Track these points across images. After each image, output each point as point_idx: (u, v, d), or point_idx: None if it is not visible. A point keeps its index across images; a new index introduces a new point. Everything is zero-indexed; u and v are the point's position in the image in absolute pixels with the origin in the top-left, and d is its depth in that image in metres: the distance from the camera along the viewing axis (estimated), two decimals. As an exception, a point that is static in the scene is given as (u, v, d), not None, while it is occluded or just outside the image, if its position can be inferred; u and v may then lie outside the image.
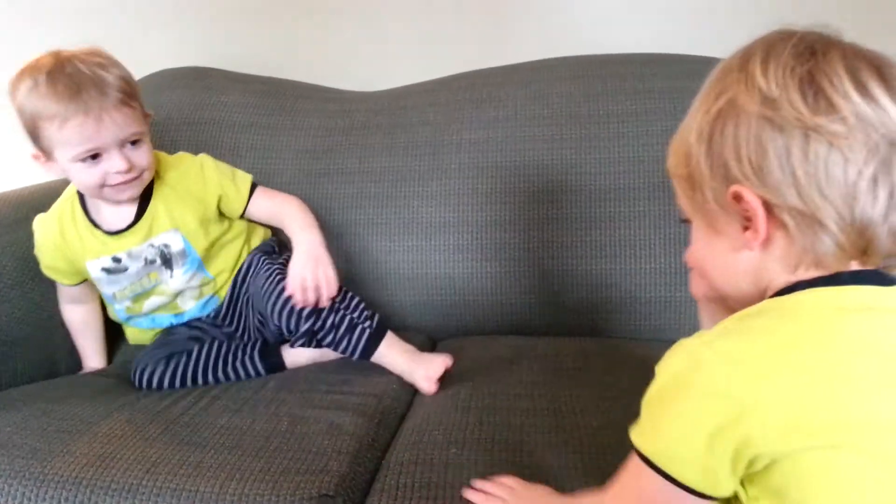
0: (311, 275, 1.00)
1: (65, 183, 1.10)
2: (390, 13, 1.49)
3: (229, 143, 1.31)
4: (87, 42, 1.00)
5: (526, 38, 1.46)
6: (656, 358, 0.53)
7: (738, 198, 0.52)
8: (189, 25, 1.55)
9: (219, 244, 1.12)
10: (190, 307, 1.13)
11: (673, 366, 0.51)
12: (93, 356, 1.16)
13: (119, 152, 0.97)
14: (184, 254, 1.08)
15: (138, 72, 1.39)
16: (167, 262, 1.08)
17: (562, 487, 0.72)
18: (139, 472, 0.79)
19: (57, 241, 1.06)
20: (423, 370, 0.98)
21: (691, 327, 0.57)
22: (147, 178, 1.04)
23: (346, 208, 1.24)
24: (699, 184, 0.55)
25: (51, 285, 1.13)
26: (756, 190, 0.51)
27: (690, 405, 0.49)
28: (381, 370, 1.02)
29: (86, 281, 1.11)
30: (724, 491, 0.50)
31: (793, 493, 0.47)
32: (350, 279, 1.17)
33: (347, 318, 1.01)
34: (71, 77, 0.94)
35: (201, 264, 1.10)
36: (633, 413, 0.53)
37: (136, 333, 1.16)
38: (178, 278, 1.09)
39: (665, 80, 1.23)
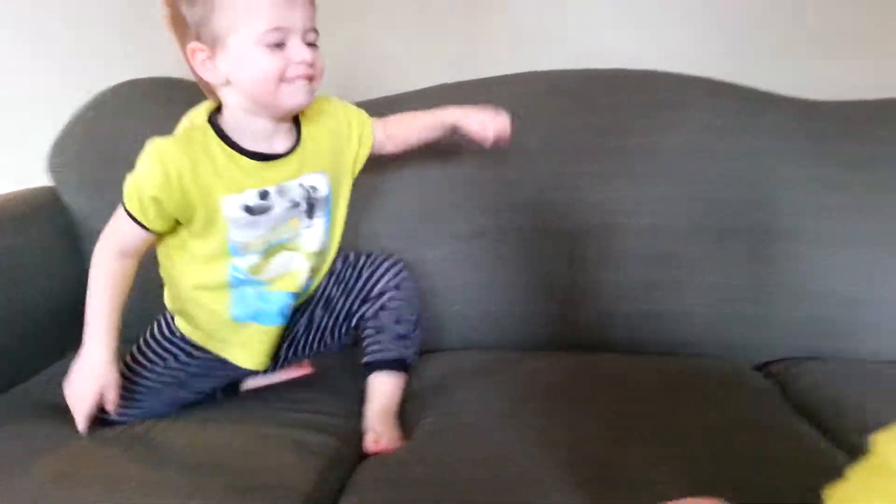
0: None
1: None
2: (365, 24, 1.49)
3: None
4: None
5: (498, 52, 1.47)
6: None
7: None
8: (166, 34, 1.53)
9: (341, 211, 1.02)
10: (303, 282, 0.99)
11: None
12: (105, 337, 0.91)
13: (302, 42, 0.86)
14: (326, 203, 0.98)
15: (108, 80, 1.40)
16: (311, 208, 0.96)
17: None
18: (99, 490, 0.77)
19: (184, 170, 0.86)
20: (374, 435, 0.93)
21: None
22: (316, 87, 0.91)
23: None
24: None
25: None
26: None
27: None
28: (347, 393, 1.01)
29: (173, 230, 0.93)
30: None
31: None
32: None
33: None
34: None
35: (328, 227, 1.00)
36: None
37: (254, 337, 0.98)
38: (317, 231, 0.97)
39: (632, 94, 1.24)
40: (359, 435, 0.95)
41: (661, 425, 0.89)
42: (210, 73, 0.87)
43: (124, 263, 0.92)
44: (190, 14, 0.84)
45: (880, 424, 0.89)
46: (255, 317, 0.97)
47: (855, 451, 0.85)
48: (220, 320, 0.96)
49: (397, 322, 1.03)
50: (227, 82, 0.87)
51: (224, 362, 0.99)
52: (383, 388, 0.99)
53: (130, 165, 0.89)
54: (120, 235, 0.91)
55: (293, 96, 0.87)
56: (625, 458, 0.81)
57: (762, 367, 1.17)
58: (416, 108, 1.15)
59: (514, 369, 1.07)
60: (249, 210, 0.90)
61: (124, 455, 0.85)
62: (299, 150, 0.94)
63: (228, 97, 0.89)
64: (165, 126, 0.95)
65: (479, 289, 1.20)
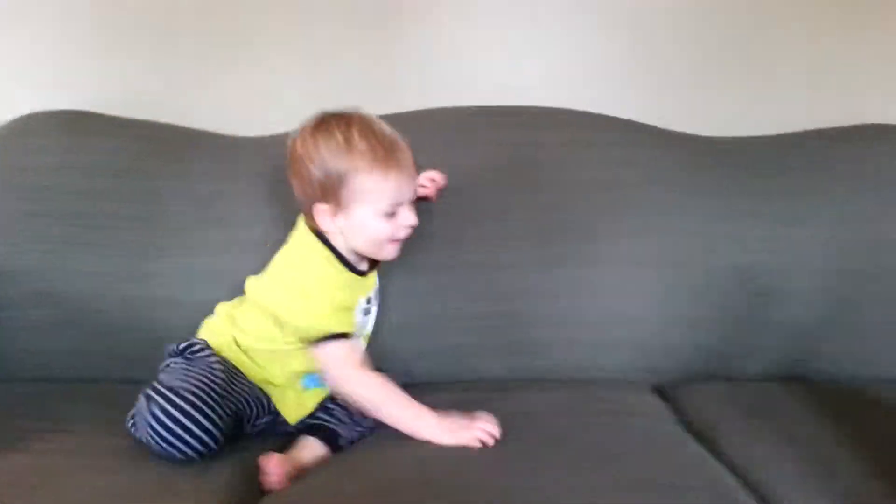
0: None
1: None
2: (277, 57, 1.52)
3: (108, 187, 1.28)
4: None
5: (409, 87, 1.53)
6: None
7: None
8: (65, 65, 1.51)
9: None
10: None
11: None
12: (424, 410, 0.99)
13: (410, 208, 1.03)
14: (377, 294, 1.15)
15: (8, 114, 1.36)
16: (369, 308, 1.13)
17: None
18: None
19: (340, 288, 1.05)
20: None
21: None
22: None
23: (239, 254, 1.23)
24: None
25: None
26: None
27: None
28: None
29: None
30: None
31: None
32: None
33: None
34: (383, 135, 1.00)
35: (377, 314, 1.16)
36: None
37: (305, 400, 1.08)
38: (373, 317, 1.14)
39: (536, 131, 1.33)
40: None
41: (567, 453, 0.93)
42: (327, 224, 1.02)
43: (369, 370, 1.02)
44: (322, 181, 0.99)
45: (760, 440, 0.98)
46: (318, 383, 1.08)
47: (736, 467, 0.94)
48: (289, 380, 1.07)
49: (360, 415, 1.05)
50: (341, 233, 1.03)
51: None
52: (312, 452, 1.01)
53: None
54: (345, 360, 1.01)
55: (393, 251, 1.06)
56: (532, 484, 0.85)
57: (658, 390, 1.25)
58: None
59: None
60: (366, 312, 1.10)
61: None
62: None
63: (337, 238, 1.04)
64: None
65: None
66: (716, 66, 1.52)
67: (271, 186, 1.25)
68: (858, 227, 1.26)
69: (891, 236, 1.26)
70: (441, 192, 1.24)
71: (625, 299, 1.25)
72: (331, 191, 0.99)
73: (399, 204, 1.02)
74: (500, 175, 1.29)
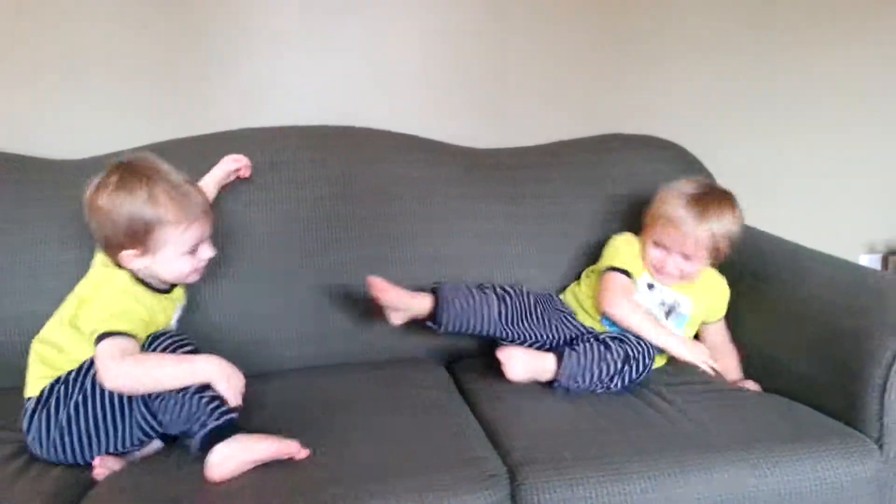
0: None
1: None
2: (91, 79, 1.59)
3: None
4: None
5: (224, 110, 1.65)
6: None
7: None
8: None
9: None
10: None
11: None
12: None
13: (209, 243, 1.19)
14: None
15: None
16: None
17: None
18: None
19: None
20: None
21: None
22: None
23: (50, 275, 1.34)
24: None
25: None
26: None
27: None
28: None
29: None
30: None
31: None
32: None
33: None
34: (179, 185, 1.13)
35: None
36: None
37: None
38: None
39: (339, 150, 1.52)
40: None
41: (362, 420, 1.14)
42: (132, 264, 1.14)
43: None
44: (127, 232, 1.10)
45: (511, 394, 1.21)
46: None
47: (484, 418, 1.18)
48: None
49: None
50: (147, 269, 1.15)
51: None
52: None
53: None
54: (109, 355, 1.06)
55: (196, 277, 1.21)
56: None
57: (448, 365, 1.48)
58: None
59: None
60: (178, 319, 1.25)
61: None
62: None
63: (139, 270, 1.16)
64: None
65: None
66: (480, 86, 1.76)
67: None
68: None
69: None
70: (249, 167, 1.43)
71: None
72: (137, 239, 1.11)
73: (199, 242, 1.17)
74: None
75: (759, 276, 1.43)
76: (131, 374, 1.04)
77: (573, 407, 1.22)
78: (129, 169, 1.13)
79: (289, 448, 1.03)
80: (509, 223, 1.53)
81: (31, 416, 1.08)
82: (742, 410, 1.19)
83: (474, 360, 1.45)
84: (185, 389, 1.04)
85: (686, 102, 1.84)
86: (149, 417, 1.08)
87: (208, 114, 1.64)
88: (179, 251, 1.15)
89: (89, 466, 1.08)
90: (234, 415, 1.06)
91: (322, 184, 1.48)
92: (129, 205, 1.10)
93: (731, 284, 1.46)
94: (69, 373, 1.10)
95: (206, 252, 1.19)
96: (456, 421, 1.17)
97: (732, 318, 1.45)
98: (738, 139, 1.88)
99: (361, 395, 1.27)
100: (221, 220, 1.40)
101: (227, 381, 1.06)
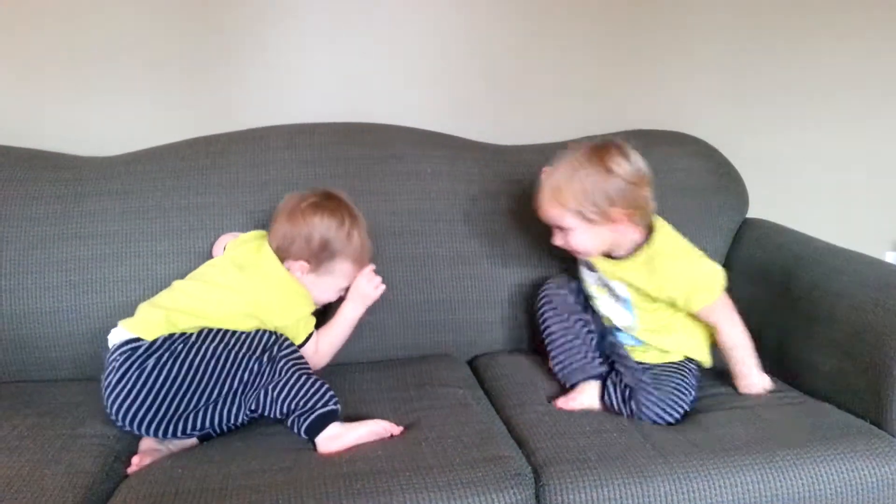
0: None
1: None
2: (120, 78, 1.61)
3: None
4: None
5: (244, 106, 1.66)
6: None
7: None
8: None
9: None
10: None
11: None
12: None
13: None
14: None
15: None
16: None
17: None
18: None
19: None
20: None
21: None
22: None
23: (83, 269, 1.37)
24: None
25: None
26: None
27: None
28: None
29: None
30: None
31: None
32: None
33: None
34: (367, 235, 1.31)
35: None
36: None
37: None
38: None
39: (356, 147, 1.52)
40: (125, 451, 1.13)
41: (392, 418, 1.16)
42: (296, 272, 1.27)
43: None
44: (315, 249, 1.25)
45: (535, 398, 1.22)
46: None
47: (510, 420, 1.19)
48: None
49: None
50: (304, 280, 1.27)
51: None
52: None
53: None
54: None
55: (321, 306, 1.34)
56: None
57: (472, 361, 1.50)
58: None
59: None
60: None
61: None
62: None
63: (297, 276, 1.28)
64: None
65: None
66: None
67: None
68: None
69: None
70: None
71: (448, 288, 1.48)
72: (316, 259, 1.26)
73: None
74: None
75: (785, 273, 1.42)
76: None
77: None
78: (340, 201, 1.29)
79: (385, 428, 1.12)
80: (533, 221, 1.52)
81: (134, 356, 1.10)
82: (765, 410, 1.18)
83: (495, 356, 1.47)
84: (307, 374, 1.15)
85: (709, 97, 1.82)
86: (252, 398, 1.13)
87: (229, 111, 1.65)
88: (339, 285, 1.31)
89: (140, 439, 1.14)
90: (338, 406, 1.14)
91: (344, 180, 1.48)
92: (332, 232, 1.25)
93: (758, 283, 1.45)
94: (190, 334, 1.15)
95: (342, 291, 1.34)
96: (480, 418, 1.18)
97: (758, 317, 1.44)
98: (760, 134, 1.86)
99: (386, 392, 1.28)
100: (244, 218, 1.43)
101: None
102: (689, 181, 1.59)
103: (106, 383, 1.11)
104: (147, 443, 1.15)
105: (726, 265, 1.57)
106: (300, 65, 1.67)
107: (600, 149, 1.23)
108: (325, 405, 1.11)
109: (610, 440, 1.10)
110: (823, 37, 1.83)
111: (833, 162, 1.91)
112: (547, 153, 1.61)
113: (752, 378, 1.27)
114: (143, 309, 1.20)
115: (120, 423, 1.11)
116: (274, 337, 1.18)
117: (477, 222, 1.51)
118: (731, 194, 1.61)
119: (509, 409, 1.24)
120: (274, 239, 1.27)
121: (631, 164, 1.23)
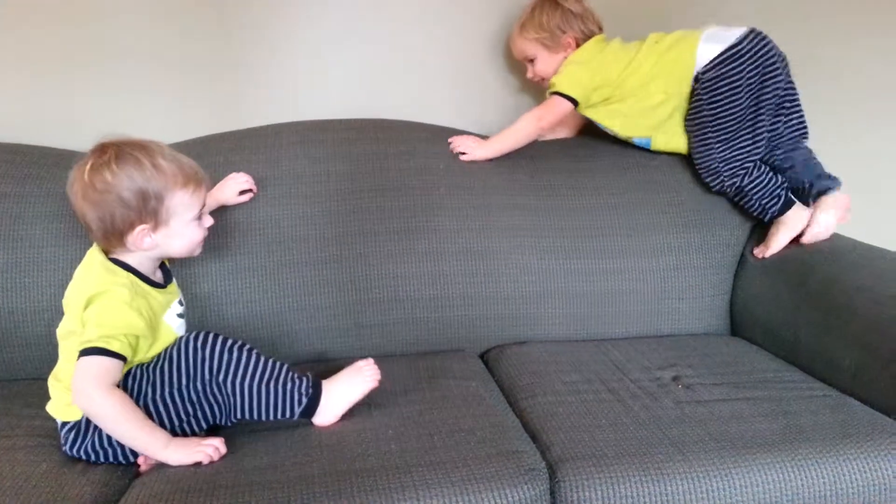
0: None
1: None
2: (135, 77, 1.61)
3: None
4: None
5: (258, 105, 1.66)
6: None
7: None
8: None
9: None
10: None
11: None
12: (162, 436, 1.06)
13: (207, 212, 1.21)
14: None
15: None
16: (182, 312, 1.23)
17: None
18: None
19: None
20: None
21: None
22: None
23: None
24: None
25: None
26: None
27: None
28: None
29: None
30: None
31: None
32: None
33: None
34: (174, 156, 1.13)
35: None
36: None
37: None
38: (184, 323, 1.22)
39: (369, 143, 1.51)
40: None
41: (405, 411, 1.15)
42: (143, 243, 1.11)
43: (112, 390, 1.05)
44: (138, 204, 1.08)
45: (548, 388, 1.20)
46: None
47: (523, 413, 1.17)
48: None
49: None
50: (157, 246, 1.13)
51: None
52: None
53: None
54: (94, 377, 1.02)
55: (200, 249, 1.20)
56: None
57: (483, 354, 1.49)
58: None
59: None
60: (180, 315, 1.20)
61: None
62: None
63: (134, 258, 1.13)
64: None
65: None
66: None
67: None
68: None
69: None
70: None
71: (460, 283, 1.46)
72: (148, 212, 1.09)
73: (202, 208, 1.17)
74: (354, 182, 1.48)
75: (807, 268, 1.40)
76: (107, 413, 1.01)
77: (611, 399, 1.20)
78: (120, 146, 1.09)
79: (363, 371, 1.16)
80: (545, 215, 1.51)
81: (81, 434, 1.08)
82: (786, 404, 1.16)
83: (507, 348, 1.45)
84: (261, 379, 1.09)
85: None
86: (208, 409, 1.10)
87: (239, 108, 1.65)
88: (189, 217, 1.14)
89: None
90: (311, 381, 1.12)
91: (356, 176, 1.48)
92: (137, 177, 1.07)
93: (775, 276, 1.43)
94: (140, 365, 1.10)
95: (208, 220, 1.20)
96: (494, 413, 1.17)
97: (776, 310, 1.42)
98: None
99: (399, 386, 1.27)
100: (255, 213, 1.42)
101: (189, 458, 1.04)
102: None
103: (77, 455, 1.08)
104: None
105: (744, 258, 1.55)
106: (313, 64, 1.67)
107: None
108: (299, 402, 1.10)
109: (627, 435, 1.08)
110: (853, 37, 1.80)
111: (854, 157, 1.87)
112: (559, 149, 1.61)
113: None
114: (51, 386, 1.13)
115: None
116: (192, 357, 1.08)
117: (489, 217, 1.50)
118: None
119: (522, 402, 1.22)
120: (93, 232, 1.12)
121: (578, 2, 1.57)
